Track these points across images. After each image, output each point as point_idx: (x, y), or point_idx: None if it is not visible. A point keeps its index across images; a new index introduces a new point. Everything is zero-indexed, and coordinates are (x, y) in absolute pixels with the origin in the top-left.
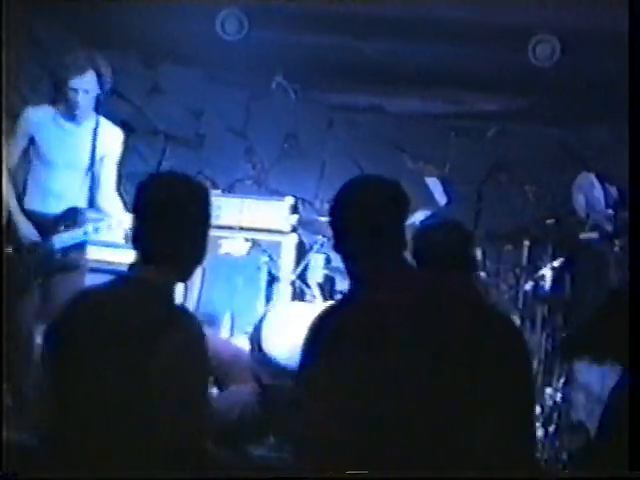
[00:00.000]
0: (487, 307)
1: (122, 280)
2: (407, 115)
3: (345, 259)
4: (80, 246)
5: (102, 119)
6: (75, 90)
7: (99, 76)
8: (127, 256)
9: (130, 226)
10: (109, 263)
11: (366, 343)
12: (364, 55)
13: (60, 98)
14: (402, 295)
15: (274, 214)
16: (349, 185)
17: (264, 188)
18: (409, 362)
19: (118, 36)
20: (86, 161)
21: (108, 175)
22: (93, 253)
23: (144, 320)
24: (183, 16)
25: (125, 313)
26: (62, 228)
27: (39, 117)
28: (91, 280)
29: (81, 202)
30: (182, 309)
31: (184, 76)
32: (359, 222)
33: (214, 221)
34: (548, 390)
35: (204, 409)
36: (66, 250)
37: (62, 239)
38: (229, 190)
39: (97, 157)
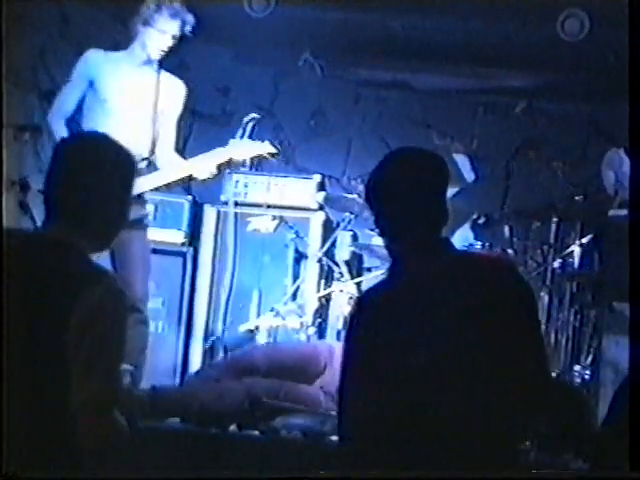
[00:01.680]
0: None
1: (37, 239)
2: (434, 91)
3: (383, 235)
4: (142, 197)
5: (164, 71)
6: (163, 35)
7: (182, 30)
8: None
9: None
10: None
11: (408, 323)
12: (391, 31)
13: (128, 42)
14: (440, 275)
15: (301, 191)
16: (389, 158)
17: (291, 165)
18: (449, 341)
19: None
20: (149, 110)
21: (169, 129)
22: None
23: (58, 280)
24: None
25: (41, 273)
26: None
27: (100, 61)
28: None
29: (142, 152)
30: (100, 269)
31: (210, 53)
32: (399, 196)
33: (242, 199)
34: (576, 367)
35: (115, 375)
36: None
37: None
38: (256, 168)
39: (158, 109)
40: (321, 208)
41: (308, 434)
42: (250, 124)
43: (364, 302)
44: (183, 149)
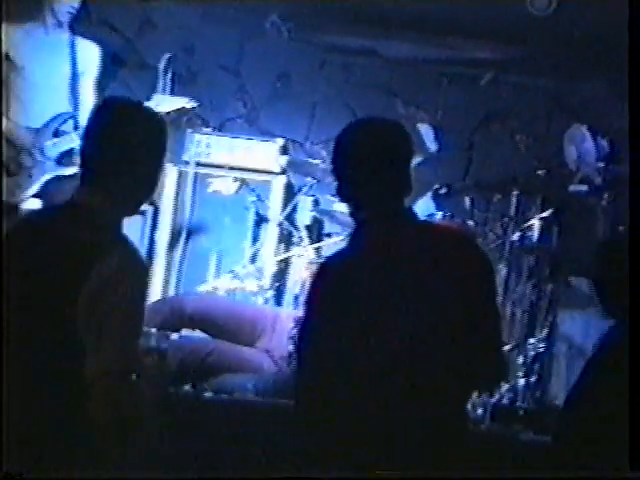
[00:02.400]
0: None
1: (65, 204)
2: (400, 60)
3: (348, 202)
4: (70, 152)
5: (77, 37)
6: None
7: None
8: None
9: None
10: None
11: (370, 289)
12: None
13: (40, 15)
14: (402, 244)
15: (264, 154)
16: (353, 126)
17: (255, 128)
18: (408, 307)
19: None
20: (65, 73)
21: (88, 90)
22: None
23: (81, 246)
24: None
25: (63, 238)
26: (50, 136)
27: (12, 33)
28: None
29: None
30: (123, 238)
31: (177, 12)
32: (364, 164)
33: (204, 159)
34: (531, 340)
35: (131, 343)
36: (59, 158)
37: (53, 147)
38: (219, 129)
39: (78, 65)
40: (283, 172)
41: (259, 394)
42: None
43: (327, 267)
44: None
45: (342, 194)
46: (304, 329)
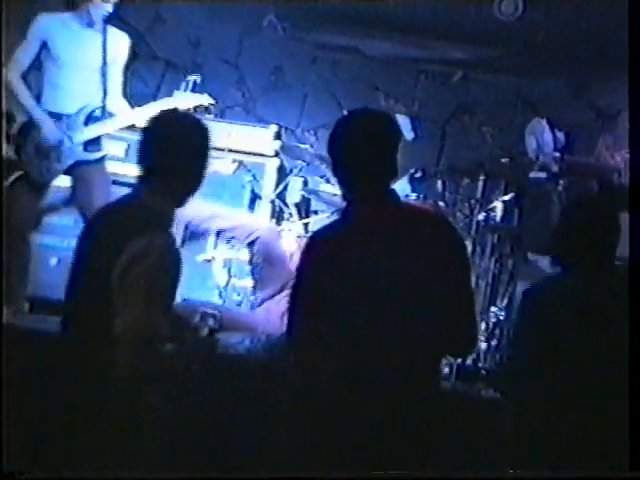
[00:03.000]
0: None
1: (126, 201)
2: (382, 58)
3: (341, 183)
4: (98, 140)
5: (110, 26)
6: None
7: None
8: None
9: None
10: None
11: (355, 260)
12: (347, 2)
13: (74, 5)
14: (385, 221)
15: (259, 139)
16: (348, 117)
17: (251, 115)
18: (389, 277)
19: None
20: (98, 62)
21: (116, 78)
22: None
23: (128, 233)
24: None
25: (122, 230)
26: (80, 124)
27: (51, 22)
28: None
29: (95, 101)
30: (163, 229)
31: (184, 9)
32: (357, 152)
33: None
34: (493, 309)
35: (153, 310)
36: (86, 144)
37: (82, 134)
38: (220, 115)
39: (108, 57)
40: (276, 155)
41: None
42: (192, 81)
43: (316, 239)
44: (155, 96)
45: (337, 176)
46: (294, 294)
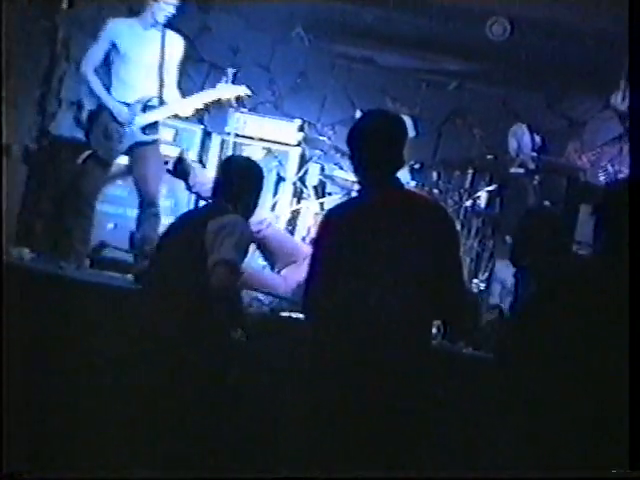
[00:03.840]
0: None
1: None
2: (391, 67)
3: (356, 170)
4: (154, 125)
5: (168, 29)
6: (165, 4)
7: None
8: None
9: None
10: None
11: (363, 233)
12: (364, 19)
13: (139, 12)
14: (390, 203)
15: (285, 131)
16: (367, 116)
17: (279, 111)
18: (392, 251)
19: None
20: (157, 60)
21: (172, 72)
22: None
23: (213, 213)
24: None
25: (201, 214)
26: (139, 111)
27: (119, 26)
28: None
29: (152, 92)
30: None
31: (228, 20)
32: (371, 145)
33: (240, 132)
34: (475, 281)
35: (235, 256)
36: (144, 128)
37: (140, 119)
38: (253, 110)
39: (166, 55)
40: (299, 144)
41: (275, 309)
42: (231, 74)
43: (333, 214)
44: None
45: (353, 164)
46: (311, 263)
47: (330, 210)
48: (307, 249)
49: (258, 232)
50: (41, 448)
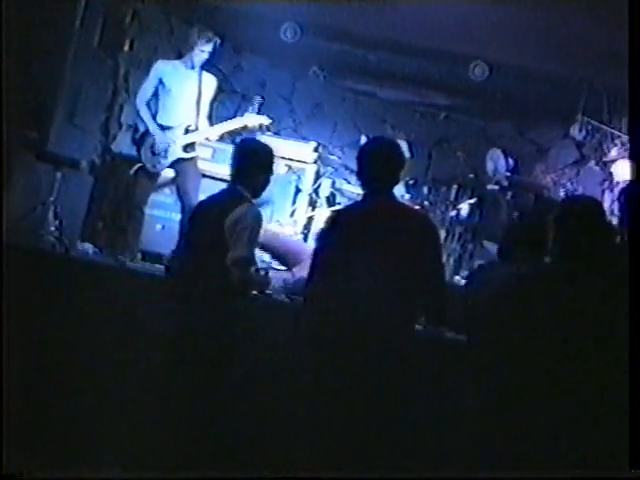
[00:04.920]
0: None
1: (226, 190)
2: (390, 100)
3: (362, 183)
4: (192, 145)
5: (204, 71)
6: (202, 51)
7: (214, 48)
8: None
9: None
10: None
11: (365, 233)
12: (369, 60)
13: (182, 55)
14: (386, 212)
15: (303, 151)
16: (371, 141)
17: (298, 134)
18: (384, 252)
19: (218, 30)
20: (195, 95)
21: (205, 105)
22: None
23: (230, 203)
24: (259, 21)
25: (220, 202)
26: (181, 134)
27: (166, 66)
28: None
29: (190, 120)
30: (251, 202)
31: (257, 61)
32: (375, 165)
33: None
34: (457, 277)
35: (249, 252)
36: (185, 147)
37: (181, 140)
38: (277, 134)
39: (202, 92)
40: (314, 162)
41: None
42: (257, 104)
43: (338, 213)
44: (233, 118)
45: (359, 178)
46: (314, 255)
47: (336, 211)
48: (309, 249)
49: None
50: (41, 448)
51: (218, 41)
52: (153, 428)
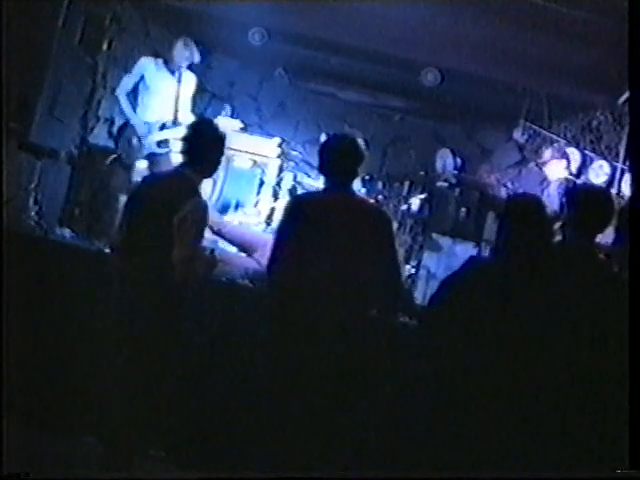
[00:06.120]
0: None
1: (174, 173)
2: (349, 101)
3: (324, 175)
4: (166, 141)
5: (184, 69)
6: (186, 61)
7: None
8: None
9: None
10: None
11: (322, 223)
12: (330, 64)
13: (158, 55)
14: (344, 204)
15: (267, 146)
16: (332, 138)
17: (264, 131)
18: (342, 239)
19: (190, 32)
20: (173, 92)
21: (187, 102)
22: None
23: (180, 197)
24: (230, 25)
25: (169, 194)
26: (156, 129)
27: (148, 63)
28: None
29: (167, 116)
30: (199, 195)
31: (227, 62)
32: (333, 159)
33: (233, 146)
34: (407, 266)
35: (195, 248)
36: (159, 142)
37: (156, 136)
38: (244, 130)
39: (181, 89)
40: (278, 157)
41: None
42: (229, 109)
43: (298, 200)
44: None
45: (321, 172)
46: (276, 241)
47: (298, 199)
48: (266, 237)
49: (224, 229)
50: (41, 448)
51: (195, 49)
52: (152, 427)
